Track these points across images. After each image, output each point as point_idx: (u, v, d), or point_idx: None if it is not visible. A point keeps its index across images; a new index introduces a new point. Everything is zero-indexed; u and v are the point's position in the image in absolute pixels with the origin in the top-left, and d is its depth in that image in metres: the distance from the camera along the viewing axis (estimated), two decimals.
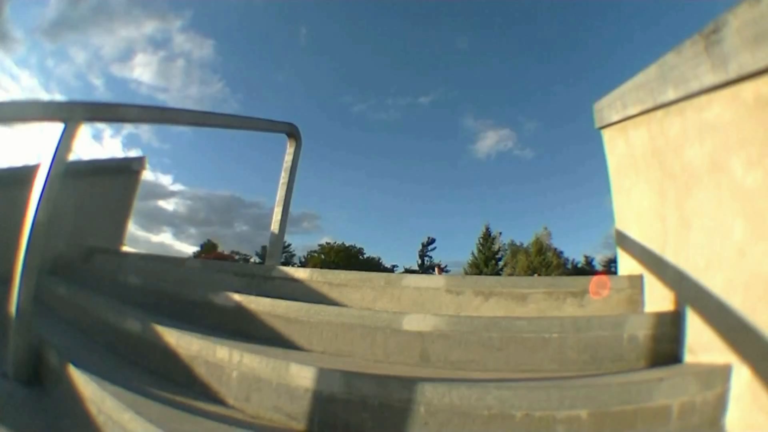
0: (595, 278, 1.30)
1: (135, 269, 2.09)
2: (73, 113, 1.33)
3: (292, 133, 2.66)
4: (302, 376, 0.97)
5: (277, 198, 2.49)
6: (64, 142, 1.29)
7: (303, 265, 32.63)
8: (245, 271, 1.88)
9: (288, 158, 2.61)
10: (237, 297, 1.39)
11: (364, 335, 1.15)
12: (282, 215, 2.51)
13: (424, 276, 1.55)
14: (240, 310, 1.37)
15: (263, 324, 1.31)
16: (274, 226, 2.53)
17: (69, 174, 1.29)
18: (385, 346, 1.13)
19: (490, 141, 59.97)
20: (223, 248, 35.34)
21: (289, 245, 34.91)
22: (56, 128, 1.31)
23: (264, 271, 1.80)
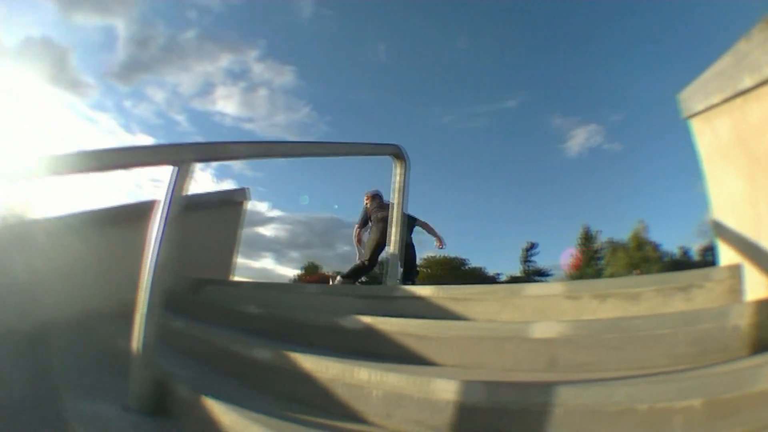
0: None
1: (251, 298, 2.24)
2: (182, 155, 1.47)
3: (397, 154, 2.85)
4: (444, 389, 1.13)
5: (391, 219, 2.66)
6: (178, 184, 1.43)
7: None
8: (367, 293, 2.03)
9: (396, 179, 2.81)
10: (366, 319, 1.53)
11: (493, 346, 1.31)
12: (398, 235, 2.72)
13: (542, 284, 1.73)
14: (370, 331, 1.51)
15: (395, 343, 1.45)
16: (391, 247, 2.75)
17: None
18: (514, 355, 1.29)
19: (579, 138, 61.42)
20: (326, 269, 36.71)
21: (388, 261, 36.39)
22: (168, 171, 1.46)
23: (386, 291, 1.96)
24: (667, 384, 1.20)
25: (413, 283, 4.87)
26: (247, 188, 3.77)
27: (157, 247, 1.39)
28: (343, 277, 5.47)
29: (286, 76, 65.95)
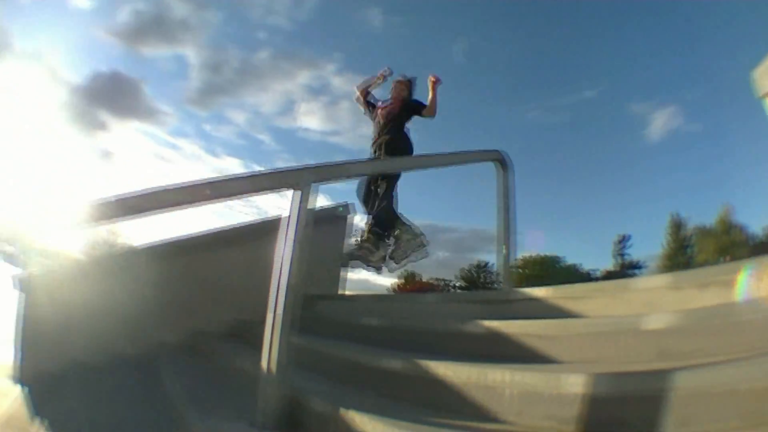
0: None
1: (366, 311, 2.34)
2: (303, 178, 1.56)
3: (499, 159, 2.94)
4: (573, 383, 1.24)
5: (498, 224, 2.75)
6: (302, 206, 1.51)
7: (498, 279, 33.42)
8: (481, 298, 2.14)
9: (500, 183, 2.91)
10: (487, 323, 1.64)
11: (609, 341, 1.43)
12: (508, 240, 2.82)
13: (647, 277, 1.85)
14: (492, 334, 1.61)
15: (517, 344, 1.57)
16: (504, 250, 2.84)
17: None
18: (629, 347, 1.40)
19: (659, 122, 59.60)
20: (425, 276, 36.31)
21: (487, 264, 35.82)
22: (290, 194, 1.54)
23: (501, 295, 2.07)
24: (763, 366, 1.32)
25: (385, 235, 3.62)
26: (351, 203, 3.85)
27: (287, 268, 1.49)
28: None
29: None
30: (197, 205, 1.46)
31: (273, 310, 1.49)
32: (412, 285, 31.84)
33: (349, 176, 1.94)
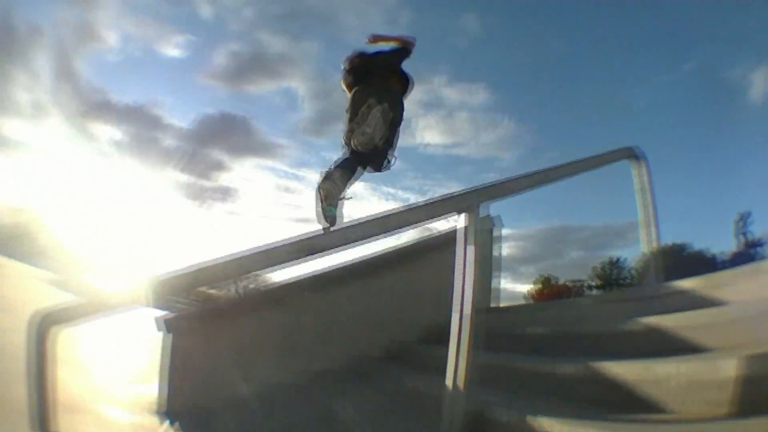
0: None
1: (527, 320, 2.52)
2: (471, 201, 1.74)
3: (633, 155, 3.04)
4: (727, 368, 1.45)
5: (640, 221, 2.99)
6: (476, 226, 1.69)
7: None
8: (631, 296, 2.34)
9: (637, 180, 3.04)
10: (645, 320, 1.87)
11: (753, 324, 1.65)
12: (651, 236, 2.96)
13: None
14: (649, 330, 1.85)
15: (672, 337, 1.81)
16: (646, 248, 3.00)
17: (432, 248, 1.69)
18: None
19: (758, 84, 54.92)
20: (560, 279, 36.73)
21: (618, 259, 35.96)
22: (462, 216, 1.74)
23: (652, 291, 2.26)
24: None
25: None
26: (497, 215, 3.96)
27: (470, 288, 1.69)
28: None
29: (479, 94, 66.36)
30: (379, 239, 1.64)
31: (457, 330, 1.69)
32: (549, 290, 32.21)
33: (512, 193, 2.11)
